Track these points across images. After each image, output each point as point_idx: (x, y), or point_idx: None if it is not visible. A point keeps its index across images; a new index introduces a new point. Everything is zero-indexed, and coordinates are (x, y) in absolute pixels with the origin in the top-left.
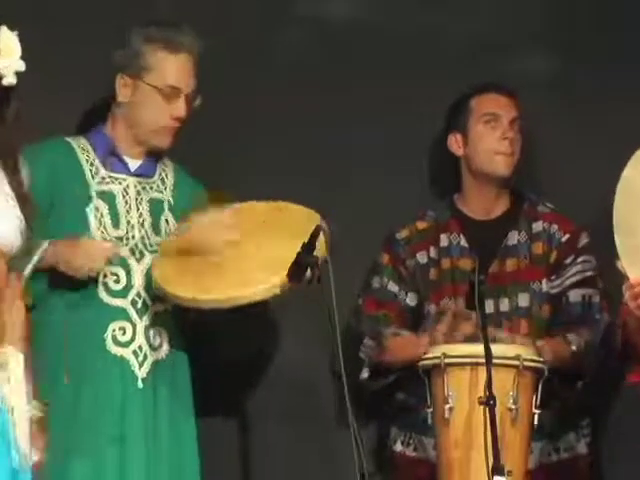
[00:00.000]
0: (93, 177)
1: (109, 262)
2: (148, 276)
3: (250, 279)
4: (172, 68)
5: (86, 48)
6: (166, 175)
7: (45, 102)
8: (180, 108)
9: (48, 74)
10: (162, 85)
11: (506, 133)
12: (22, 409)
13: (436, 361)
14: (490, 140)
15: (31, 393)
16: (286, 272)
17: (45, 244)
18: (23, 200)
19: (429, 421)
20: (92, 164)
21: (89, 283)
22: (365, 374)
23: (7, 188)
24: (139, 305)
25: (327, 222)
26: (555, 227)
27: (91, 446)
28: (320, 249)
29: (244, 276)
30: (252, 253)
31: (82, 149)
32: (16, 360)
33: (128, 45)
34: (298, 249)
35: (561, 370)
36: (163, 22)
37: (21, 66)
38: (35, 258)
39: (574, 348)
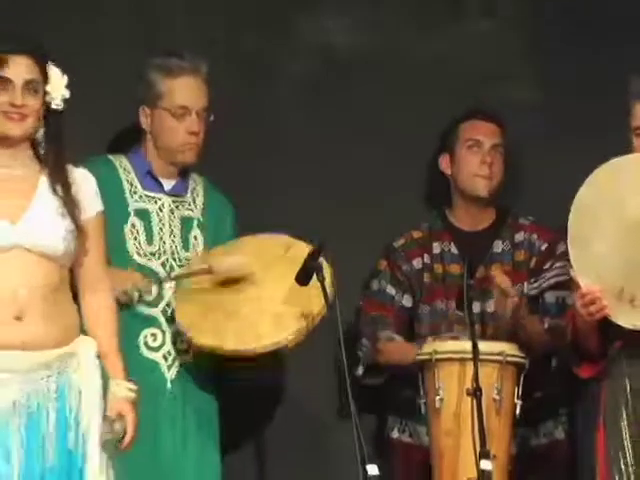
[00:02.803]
0: (132, 195)
1: (138, 294)
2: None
3: (262, 334)
4: (178, 90)
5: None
6: (197, 194)
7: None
8: (193, 123)
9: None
10: (172, 107)
11: (485, 157)
12: (92, 392)
13: (428, 357)
14: (472, 164)
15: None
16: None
17: None
18: (70, 205)
19: (422, 410)
20: (131, 183)
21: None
22: (360, 371)
23: (54, 199)
24: (169, 314)
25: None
26: (535, 236)
27: None
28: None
29: (255, 330)
30: (265, 299)
31: (123, 168)
32: (86, 346)
33: (144, 78)
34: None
35: (535, 350)
36: (167, 52)
37: (67, 93)
38: None
39: (546, 326)
